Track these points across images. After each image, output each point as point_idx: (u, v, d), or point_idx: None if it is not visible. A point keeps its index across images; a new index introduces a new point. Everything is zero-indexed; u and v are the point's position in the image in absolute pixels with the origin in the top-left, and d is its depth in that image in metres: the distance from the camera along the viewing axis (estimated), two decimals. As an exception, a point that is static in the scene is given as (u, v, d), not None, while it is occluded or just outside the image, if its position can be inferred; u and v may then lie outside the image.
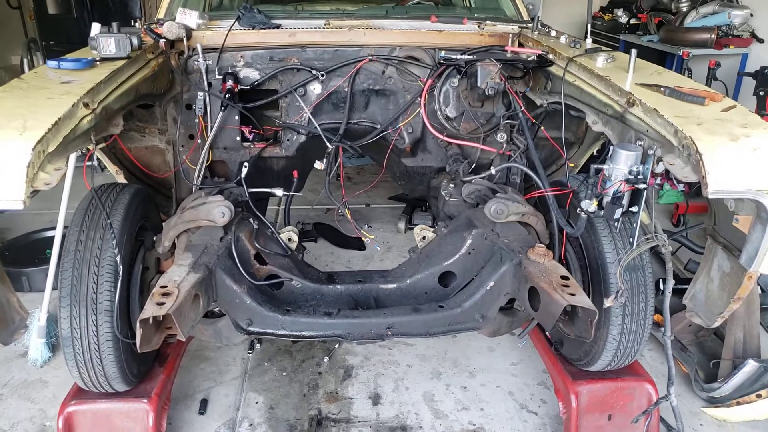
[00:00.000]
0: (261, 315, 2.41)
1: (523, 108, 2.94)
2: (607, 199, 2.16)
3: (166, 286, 2.16)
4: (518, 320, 2.76)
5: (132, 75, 2.59)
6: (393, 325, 2.41)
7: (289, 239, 2.84)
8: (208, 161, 3.17)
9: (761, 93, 5.18)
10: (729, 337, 3.17)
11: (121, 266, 2.36)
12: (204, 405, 3.14)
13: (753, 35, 6.41)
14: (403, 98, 3.20)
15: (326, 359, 3.47)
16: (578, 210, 2.29)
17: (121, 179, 3.28)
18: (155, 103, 2.93)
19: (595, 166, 2.17)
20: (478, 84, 2.79)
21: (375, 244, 4.59)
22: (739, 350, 3.11)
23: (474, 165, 3.14)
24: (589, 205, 2.21)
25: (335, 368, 3.43)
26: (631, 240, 2.23)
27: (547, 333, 3.04)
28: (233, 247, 2.49)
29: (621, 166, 2.11)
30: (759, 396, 2.99)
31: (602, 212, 2.19)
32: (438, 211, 3.17)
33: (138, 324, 1.99)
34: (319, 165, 3.17)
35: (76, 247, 2.42)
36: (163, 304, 2.06)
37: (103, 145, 2.51)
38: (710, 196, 1.76)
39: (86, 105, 2.08)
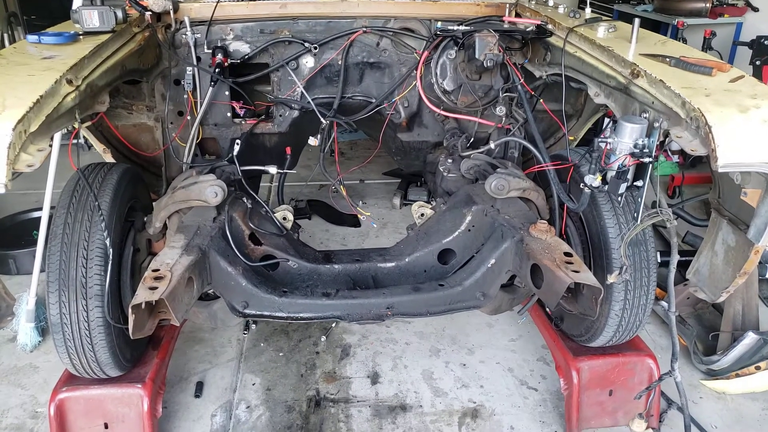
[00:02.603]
0: (257, 297, 2.35)
1: (522, 80, 2.86)
2: (611, 174, 2.11)
3: (158, 270, 2.09)
4: (519, 297, 2.72)
5: (117, 50, 2.48)
6: (393, 304, 2.36)
7: (284, 218, 2.77)
8: (198, 138, 3.08)
9: (757, 62, 5.12)
10: (728, 310, 3.16)
11: (111, 249, 2.29)
12: (200, 388, 3.10)
13: (747, 4, 6.32)
14: (399, 71, 3.11)
15: (323, 339, 3.43)
16: (581, 185, 2.23)
17: (108, 158, 3.18)
18: (142, 79, 2.83)
19: (599, 139, 2.11)
20: (476, 56, 2.71)
21: (371, 221, 4.52)
22: (738, 322, 3.10)
23: (472, 139, 3.06)
24: (593, 180, 2.15)
25: (333, 347, 3.39)
26: (635, 215, 2.18)
27: (548, 310, 3.01)
28: (227, 228, 2.41)
29: (626, 139, 2.05)
30: (758, 368, 2.99)
31: (606, 187, 2.14)
32: (436, 186, 3.10)
33: (130, 310, 1.92)
34: (313, 141, 3.08)
35: (63, 230, 2.34)
36: (155, 288, 1.99)
37: (89, 123, 2.41)
38: (720, 170, 1.71)
39: (69, 82, 1.98)
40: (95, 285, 2.33)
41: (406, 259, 2.64)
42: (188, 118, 3.04)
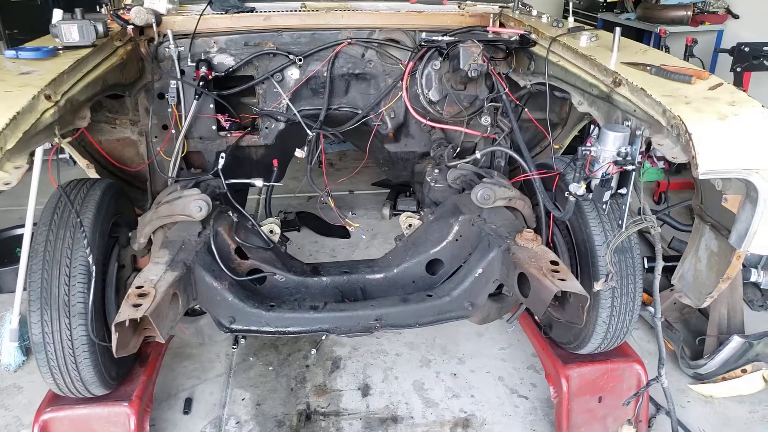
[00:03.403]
0: (244, 312, 2.33)
1: (506, 90, 2.88)
2: (595, 182, 2.11)
3: (142, 287, 2.07)
4: (507, 305, 2.72)
5: (98, 64, 2.46)
6: (381, 316, 2.35)
7: (271, 231, 2.76)
8: (183, 152, 3.06)
9: (738, 69, 5.17)
10: (713, 314, 3.18)
11: (93, 267, 2.26)
12: (188, 404, 3.07)
13: (728, 11, 6.41)
14: (384, 82, 3.12)
15: (313, 351, 3.41)
16: (566, 193, 2.24)
17: (92, 174, 3.15)
18: (125, 93, 2.81)
19: (583, 148, 2.12)
20: (461, 66, 2.72)
21: (360, 232, 4.51)
22: (724, 326, 3.12)
23: (458, 149, 3.07)
24: (578, 189, 2.16)
25: (323, 360, 3.37)
26: (619, 222, 2.19)
27: (537, 318, 3.01)
28: (212, 243, 2.40)
29: (609, 147, 2.06)
30: (744, 371, 3.01)
31: (591, 195, 2.15)
32: (423, 197, 3.11)
33: (113, 328, 1.90)
34: (299, 153, 3.08)
35: (45, 248, 2.31)
36: (139, 305, 1.97)
37: (70, 138, 2.39)
38: (700, 177, 1.72)
39: (48, 97, 1.96)
40: (78, 303, 2.29)
41: (395, 270, 2.64)
42: (173, 131, 3.03)
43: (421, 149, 3.33)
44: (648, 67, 2.13)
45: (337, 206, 5.08)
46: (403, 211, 4.91)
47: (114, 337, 1.91)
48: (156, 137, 3.10)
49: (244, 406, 3.06)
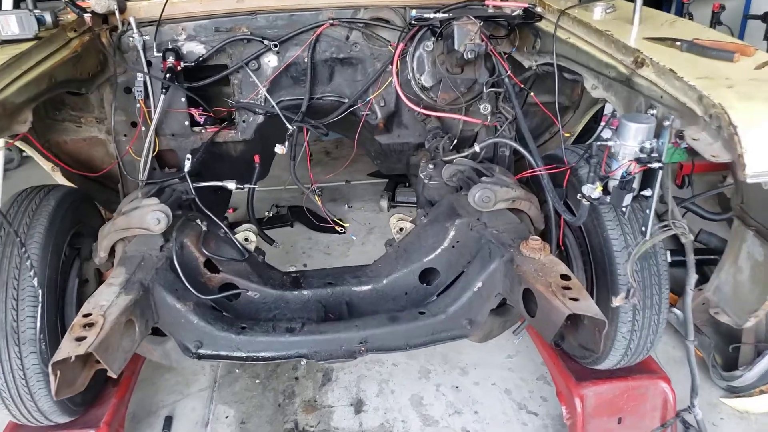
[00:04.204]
0: (211, 335, 2.06)
1: (509, 72, 2.53)
2: (614, 183, 1.79)
3: (90, 314, 1.80)
4: (513, 318, 2.42)
5: (43, 59, 2.17)
6: (367, 338, 2.06)
7: (246, 240, 2.47)
8: (154, 151, 2.77)
9: (773, 38, 4.75)
10: (748, 318, 2.85)
11: (40, 290, 2.01)
12: (168, 423, 2.83)
13: (757, -27, 5.94)
14: (372, 67, 2.78)
15: (303, 362, 3.14)
16: (579, 196, 1.92)
17: (58, 178, 2.88)
18: (81, 90, 2.51)
19: (598, 143, 1.80)
20: (456, 47, 2.38)
21: (351, 233, 4.21)
22: (762, 333, 2.78)
23: (456, 140, 2.74)
24: (593, 191, 1.84)
25: (313, 372, 3.10)
26: (643, 228, 1.87)
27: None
28: (174, 258, 2.11)
29: (630, 141, 1.73)
30: (785, 383, 2.69)
31: (608, 199, 1.82)
32: (417, 195, 2.79)
33: (50, 368, 1.63)
34: (280, 149, 2.76)
35: None
36: (83, 339, 1.70)
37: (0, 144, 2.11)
38: (749, 180, 1.39)
39: None
40: (29, 329, 2.06)
41: (384, 281, 2.35)
42: (142, 128, 2.73)
43: (415, 140, 3.00)
44: (678, 43, 1.80)
45: (333, 198, 4.84)
46: (402, 203, 4.67)
47: (52, 379, 1.65)
48: (125, 135, 2.81)
49: (227, 425, 2.82)
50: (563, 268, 1.96)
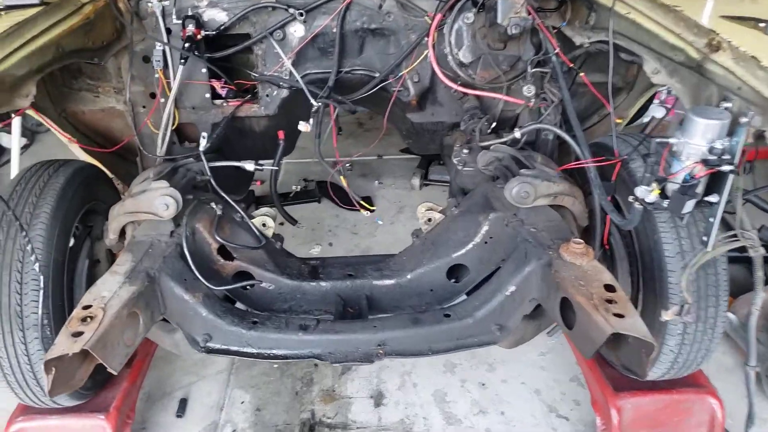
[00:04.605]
0: (221, 329, 1.93)
1: (558, 50, 2.27)
2: (674, 187, 1.56)
3: (90, 306, 1.68)
4: (547, 321, 2.22)
5: (50, 27, 2.02)
6: (386, 341, 1.91)
7: (264, 225, 2.32)
8: (173, 125, 2.62)
9: None
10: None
11: (42, 276, 1.89)
12: (183, 406, 2.75)
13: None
14: (407, 39, 2.55)
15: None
16: (631, 198, 1.70)
17: (75, 149, 2.76)
18: (93, 60, 2.36)
19: (658, 140, 1.56)
20: (499, 20, 2.14)
21: (377, 217, 4.02)
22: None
23: (494, 123, 2.51)
24: (648, 194, 1.62)
25: (334, 360, 2.97)
26: (704, 238, 1.64)
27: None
28: (184, 245, 1.98)
29: (697, 140, 1.50)
30: None
31: (666, 204, 1.59)
32: (451, 182, 2.58)
33: (44, 366, 1.52)
34: (304, 127, 2.57)
35: None
36: (80, 334, 1.58)
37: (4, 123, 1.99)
38: None
39: None
40: (32, 313, 1.97)
41: (408, 276, 2.18)
42: (161, 100, 2.59)
43: (450, 119, 2.77)
44: (762, 24, 1.52)
45: (363, 173, 4.65)
46: (436, 181, 4.44)
47: (47, 377, 1.54)
48: (144, 107, 2.67)
49: (242, 411, 2.73)
50: (607, 277, 1.74)
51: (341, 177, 2.71)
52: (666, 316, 1.79)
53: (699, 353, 2.04)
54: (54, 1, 2.09)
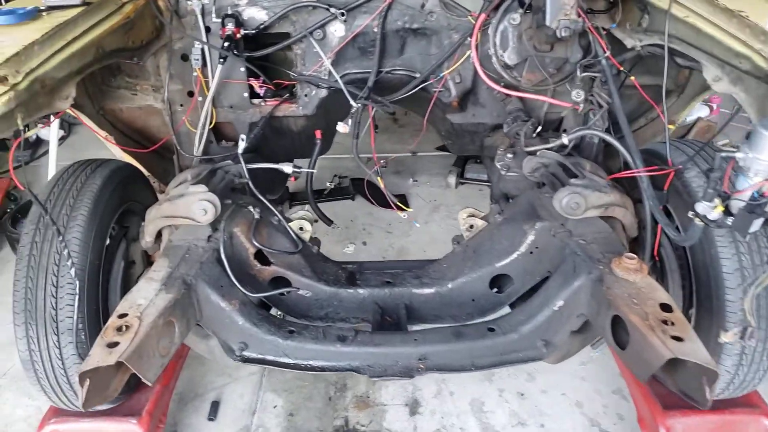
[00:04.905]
0: (257, 338, 1.89)
1: (608, 53, 2.17)
2: (739, 205, 1.46)
3: (125, 315, 1.66)
4: (592, 335, 2.14)
5: (92, 27, 2.00)
6: (427, 355, 1.85)
7: (301, 228, 2.27)
8: (211, 123, 2.60)
9: None
10: None
11: (77, 281, 1.87)
12: (215, 408, 2.74)
13: None
14: (449, 39, 2.47)
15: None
16: (691, 214, 1.60)
17: (112, 147, 2.76)
18: (132, 60, 2.34)
19: (724, 154, 1.46)
20: (547, 22, 2.05)
21: (413, 220, 3.94)
22: None
23: (539, 127, 2.41)
24: (710, 210, 1.52)
25: (368, 364, 2.93)
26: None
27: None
28: (222, 251, 1.94)
29: (766, 156, 1.40)
30: None
31: (730, 222, 1.50)
32: (492, 186, 2.50)
33: (78, 378, 1.50)
34: (342, 128, 2.53)
35: (30, 251, 1.95)
36: (115, 345, 1.56)
37: (38, 128, 1.97)
38: None
39: (2, 80, 1.53)
40: (68, 318, 1.95)
41: (449, 285, 2.12)
42: (199, 99, 2.56)
43: (492, 121, 2.68)
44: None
45: (397, 170, 4.58)
46: (472, 180, 4.35)
47: (82, 389, 1.52)
48: (181, 105, 2.65)
49: (275, 416, 2.70)
50: (663, 296, 1.66)
51: (378, 177, 2.65)
52: (725, 338, 1.69)
53: (757, 374, 1.94)
54: (95, 1, 2.07)
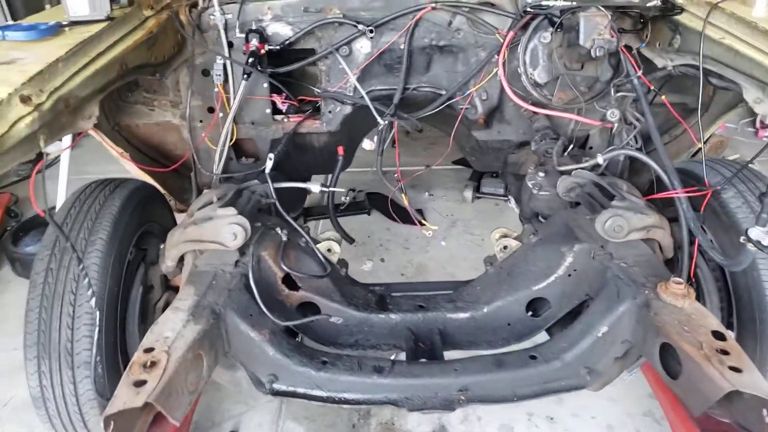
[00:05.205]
0: (288, 369, 1.81)
1: (639, 73, 2.13)
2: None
3: (152, 349, 1.57)
4: (632, 360, 2.07)
5: (115, 43, 1.94)
6: (468, 386, 1.77)
7: (329, 250, 2.21)
8: (232, 140, 2.54)
9: None
10: None
11: (98, 312, 1.78)
12: (232, 438, 2.65)
13: None
14: (476, 56, 2.44)
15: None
16: (742, 238, 1.55)
17: (126, 164, 2.69)
18: (154, 75, 2.29)
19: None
20: (581, 42, 2.01)
21: (439, 239, 3.87)
22: None
23: (571, 146, 2.37)
24: (764, 236, 1.47)
25: (390, 388, 2.85)
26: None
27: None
28: (251, 276, 1.87)
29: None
30: None
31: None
32: (522, 206, 2.45)
33: (103, 422, 1.41)
34: (368, 145, 2.49)
35: (45, 279, 1.86)
36: (142, 383, 1.47)
37: (65, 147, 1.91)
38: None
39: (26, 99, 1.46)
40: (84, 350, 1.83)
41: (485, 309, 2.06)
42: (220, 115, 2.51)
43: (517, 138, 2.64)
44: None
45: (413, 185, 4.52)
46: (489, 194, 4.30)
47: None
48: (201, 121, 2.59)
49: (295, 446, 2.62)
50: (714, 323, 1.60)
51: (403, 195, 2.61)
52: (779, 366, 1.64)
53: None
54: (119, 15, 2.01)
